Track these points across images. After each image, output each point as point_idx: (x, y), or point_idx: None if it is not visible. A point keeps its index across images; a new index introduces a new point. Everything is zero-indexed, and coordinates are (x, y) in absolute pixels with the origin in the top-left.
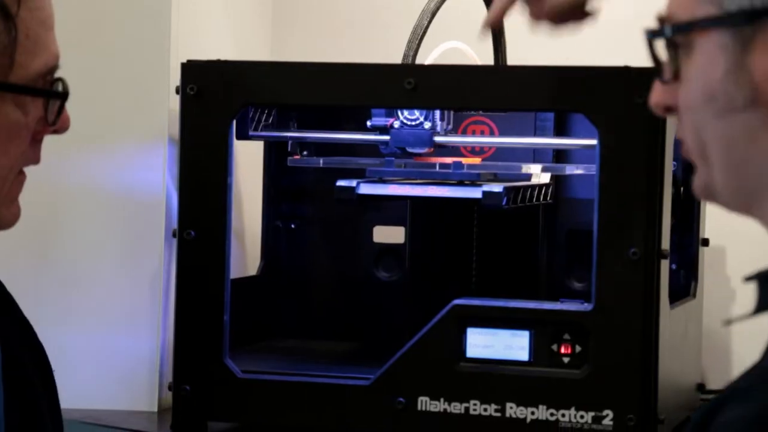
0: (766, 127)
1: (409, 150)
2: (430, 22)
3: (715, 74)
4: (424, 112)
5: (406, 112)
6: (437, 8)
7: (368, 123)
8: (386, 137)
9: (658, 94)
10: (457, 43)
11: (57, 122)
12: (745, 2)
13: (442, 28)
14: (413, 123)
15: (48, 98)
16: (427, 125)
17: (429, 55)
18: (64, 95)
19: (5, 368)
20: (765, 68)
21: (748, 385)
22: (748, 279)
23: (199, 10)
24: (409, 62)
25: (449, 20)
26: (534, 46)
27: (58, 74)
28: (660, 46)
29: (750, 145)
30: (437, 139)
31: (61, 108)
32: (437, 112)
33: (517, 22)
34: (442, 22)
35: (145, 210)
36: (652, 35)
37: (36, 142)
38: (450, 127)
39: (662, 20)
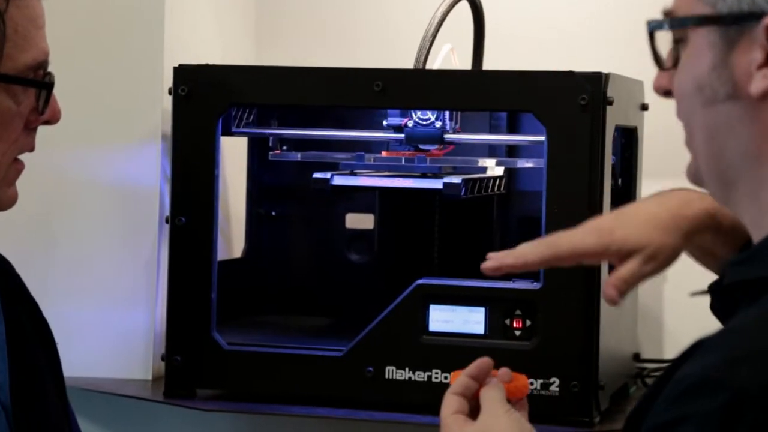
0: (742, 120)
1: (421, 147)
2: (437, 29)
3: (703, 68)
4: (436, 112)
5: (419, 113)
6: (444, 17)
7: (384, 122)
8: (401, 135)
9: (658, 79)
10: (449, 46)
11: (46, 112)
12: (735, 6)
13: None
14: (425, 122)
15: (35, 88)
16: (438, 124)
17: (434, 58)
18: (49, 85)
19: (10, 341)
20: (744, 66)
21: (709, 344)
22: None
23: (190, 19)
24: (420, 66)
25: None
26: (506, 50)
27: (51, 71)
28: (660, 37)
29: (728, 135)
30: (447, 136)
31: (48, 98)
32: (447, 113)
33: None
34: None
35: (140, 199)
36: (653, 26)
37: (29, 130)
38: (458, 125)
39: (666, 14)
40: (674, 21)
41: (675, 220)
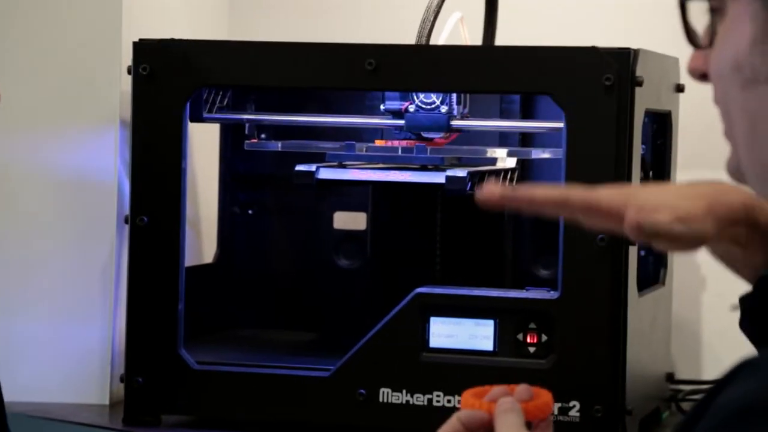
0: None
1: (425, 135)
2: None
3: (743, 43)
4: (441, 95)
5: (422, 95)
6: None
7: (381, 106)
8: (400, 122)
9: (694, 60)
10: (459, 14)
11: None
12: None
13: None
14: (429, 107)
15: None
16: (444, 109)
17: (440, 29)
18: None
19: None
20: None
21: (755, 364)
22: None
23: None
24: (423, 42)
25: None
26: (521, 25)
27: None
28: (694, 8)
29: None
30: (454, 123)
31: None
32: (454, 95)
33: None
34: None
35: (95, 195)
36: None
37: None
38: (466, 110)
39: None
40: None
41: (708, 203)
